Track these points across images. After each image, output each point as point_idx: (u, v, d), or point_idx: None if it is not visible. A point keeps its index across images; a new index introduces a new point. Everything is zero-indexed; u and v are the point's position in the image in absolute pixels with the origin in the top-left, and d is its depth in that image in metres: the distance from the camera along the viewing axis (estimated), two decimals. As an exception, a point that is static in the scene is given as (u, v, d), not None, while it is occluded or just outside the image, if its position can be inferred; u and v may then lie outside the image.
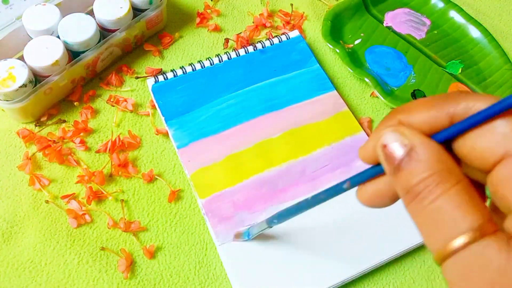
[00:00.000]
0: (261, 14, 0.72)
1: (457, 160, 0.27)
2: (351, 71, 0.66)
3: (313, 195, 0.39)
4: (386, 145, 0.27)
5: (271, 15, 0.73)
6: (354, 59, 0.68)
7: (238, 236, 0.53)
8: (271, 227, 0.48)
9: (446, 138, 0.27)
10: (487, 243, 0.23)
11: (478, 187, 0.28)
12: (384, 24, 0.74)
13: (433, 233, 0.26)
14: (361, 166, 0.58)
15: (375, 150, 0.29)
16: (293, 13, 0.73)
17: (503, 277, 0.23)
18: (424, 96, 0.67)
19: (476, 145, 0.26)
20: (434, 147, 0.26)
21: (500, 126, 0.25)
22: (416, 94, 0.67)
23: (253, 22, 0.71)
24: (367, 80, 0.65)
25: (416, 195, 0.26)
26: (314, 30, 0.72)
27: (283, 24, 0.72)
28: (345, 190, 0.34)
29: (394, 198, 0.31)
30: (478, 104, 0.26)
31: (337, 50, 0.68)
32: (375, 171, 0.30)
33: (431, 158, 0.26)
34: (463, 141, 0.26)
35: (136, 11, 0.64)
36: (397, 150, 0.27)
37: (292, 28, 0.72)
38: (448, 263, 0.25)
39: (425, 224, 0.26)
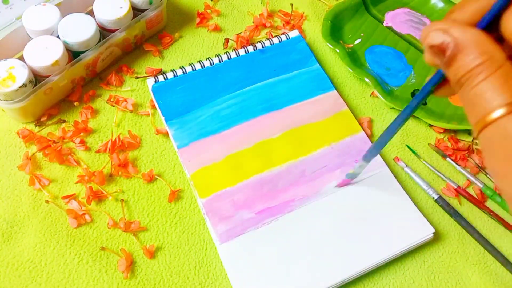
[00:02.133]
0: (261, 14, 0.72)
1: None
2: (351, 71, 0.66)
3: (396, 117, 0.44)
4: (433, 45, 0.31)
5: (271, 15, 0.73)
6: (354, 59, 0.68)
7: (341, 184, 0.57)
8: (369, 161, 0.52)
9: (488, 21, 0.30)
10: None
11: None
12: (384, 24, 0.74)
13: (475, 109, 0.30)
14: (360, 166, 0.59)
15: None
16: (293, 13, 0.73)
17: None
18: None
19: None
20: (475, 35, 0.30)
21: None
22: (416, 94, 0.67)
23: (253, 22, 0.71)
24: (367, 80, 0.65)
25: (462, 84, 0.30)
26: (314, 30, 0.72)
27: (283, 24, 0.72)
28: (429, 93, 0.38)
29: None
30: None
31: (337, 50, 0.68)
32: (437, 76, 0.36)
33: (474, 47, 0.30)
34: (506, 20, 0.30)
35: (136, 11, 0.64)
36: (445, 45, 0.31)
37: (292, 28, 0.71)
38: (485, 131, 0.29)
39: (469, 104, 0.30)
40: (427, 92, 0.38)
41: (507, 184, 0.30)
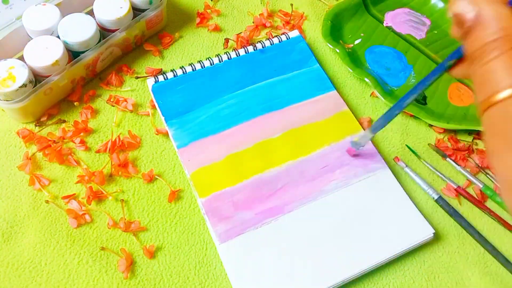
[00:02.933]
0: (261, 14, 0.72)
1: None
2: (351, 71, 0.66)
3: (410, 90, 0.47)
4: (456, 13, 0.32)
5: (271, 15, 0.73)
6: (354, 59, 0.68)
7: (351, 151, 0.58)
8: (375, 133, 0.54)
9: None
10: None
11: None
12: (384, 24, 0.74)
13: (483, 88, 0.30)
14: (359, 166, 0.58)
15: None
16: (293, 13, 0.73)
17: None
18: (424, 96, 0.66)
19: None
20: (500, 10, 0.30)
21: None
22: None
23: (253, 22, 0.71)
24: (367, 80, 0.65)
25: (475, 58, 0.30)
26: (314, 30, 0.72)
27: (283, 24, 0.72)
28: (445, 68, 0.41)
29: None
30: None
31: (337, 50, 0.67)
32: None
33: (494, 22, 0.30)
34: None
35: (136, 11, 0.63)
36: (467, 15, 0.31)
37: (292, 28, 0.71)
38: (489, 111, 0.29)
39: (479, 81, 0.30)
40: (445, 67, 0.39)
41: (502, 164, 0.30)
